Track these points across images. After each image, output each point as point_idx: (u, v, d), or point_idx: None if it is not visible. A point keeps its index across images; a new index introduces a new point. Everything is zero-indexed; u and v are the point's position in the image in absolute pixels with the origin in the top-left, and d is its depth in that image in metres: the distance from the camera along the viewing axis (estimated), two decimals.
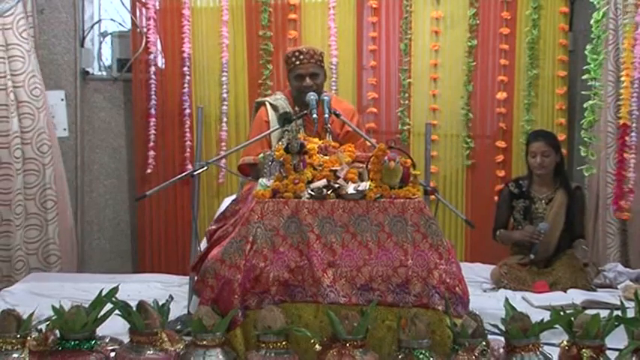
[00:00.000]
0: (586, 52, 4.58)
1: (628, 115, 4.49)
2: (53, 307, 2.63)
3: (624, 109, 4.49)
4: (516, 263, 4.30)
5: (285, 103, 3.85)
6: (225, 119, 5.03)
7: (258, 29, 5.03)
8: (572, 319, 2.68)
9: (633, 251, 4.69)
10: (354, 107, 4.22)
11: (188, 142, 4.98)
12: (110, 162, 5.17)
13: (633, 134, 4.54)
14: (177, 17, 5.01)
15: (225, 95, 5.03)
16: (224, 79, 5.02)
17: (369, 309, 2.68)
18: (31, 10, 4.64)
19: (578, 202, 4.44)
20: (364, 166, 3.08)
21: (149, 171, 4.95)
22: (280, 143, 3.21)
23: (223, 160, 4.64)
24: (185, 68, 4.99)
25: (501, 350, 2.69)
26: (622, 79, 4.54)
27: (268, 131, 3.64)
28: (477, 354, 2.59)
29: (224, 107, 5.03)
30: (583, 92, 4.65)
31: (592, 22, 4.56)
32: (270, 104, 3.86)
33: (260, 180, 3.15)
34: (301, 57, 3.77)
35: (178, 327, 3.15)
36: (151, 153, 4.96)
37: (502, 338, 2.71)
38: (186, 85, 5.00)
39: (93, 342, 2.60)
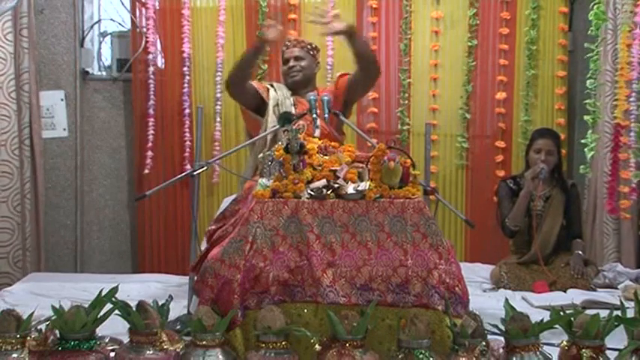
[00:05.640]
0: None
1: (622, 114, 4.48)
2: (53, 307, 2.63)
3: (619, 109, 4.48)
4: (516, 263, 4.30)
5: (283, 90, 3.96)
6: (218, 119, 5.03)
7: (257, 29, 5.04)
8: (572, 319, 2.67)
9: (624, 251, 4.68)
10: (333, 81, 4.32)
11: (188, 142, 4.98)
12: (110, 162, 5.17)
13: (632, 134, 4.53)
14: (177, 17, 5.01)
15: (218, 95, 5.02)
16: (218, 78, 5.02)
17: (369, 309, 2.68)
18: (27, 10, 4.61)
19: (574, 199, 4.45)
20: (364, 166, 3.08)
21: (146, 171, 4.94)
22: (280, 143, 3.21)
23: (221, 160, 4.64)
24: (185, 68, 5.00)
25: (501, 350, 2.68)
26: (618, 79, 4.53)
27: (268, 132, 3.67)
28: (476, 354, 2.59)
29: (217, 107, 5.02)
30: (589, 92, 4.63)
31: (590, 21, 4.56)
32: (272, 86, 3.98)
33: (260, 180, 3.16)
34: (288, 43, 3.99)
35: (178, 327, 3.14)
36: (149, 153, 4.95)
37: (502, 338, 2.70)
38: (185, 85, 5.00)
39: (93, 342, 2.59)
